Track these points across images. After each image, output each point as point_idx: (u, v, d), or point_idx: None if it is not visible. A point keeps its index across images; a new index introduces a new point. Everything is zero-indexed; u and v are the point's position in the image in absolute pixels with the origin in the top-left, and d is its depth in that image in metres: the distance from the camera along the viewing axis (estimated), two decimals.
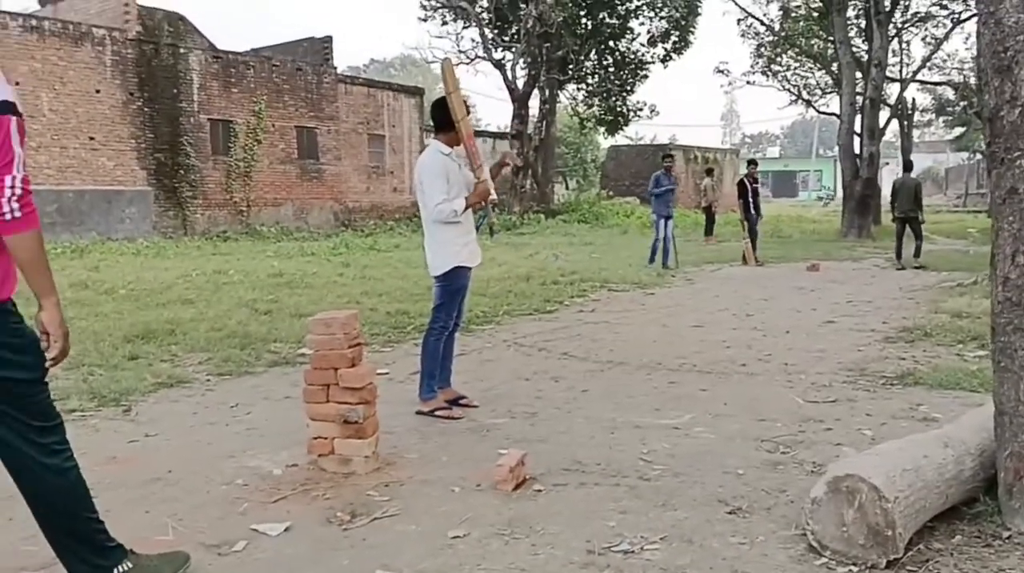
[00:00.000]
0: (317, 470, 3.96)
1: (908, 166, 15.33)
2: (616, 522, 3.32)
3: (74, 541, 2.58)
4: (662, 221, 14.18)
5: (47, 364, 2.45)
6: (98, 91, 19.39)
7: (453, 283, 5.11)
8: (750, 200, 15.61)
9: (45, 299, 2.42)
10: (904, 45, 33.55)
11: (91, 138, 19.23)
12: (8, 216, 2.30)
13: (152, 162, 20.46)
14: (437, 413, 5.02)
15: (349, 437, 3.93)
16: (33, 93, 17.85)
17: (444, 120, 5.09)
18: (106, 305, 9.01)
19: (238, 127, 22.27)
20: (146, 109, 20.31)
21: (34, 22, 18.58)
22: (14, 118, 2.32)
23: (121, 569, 2.63)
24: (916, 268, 14.03)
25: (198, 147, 21.35)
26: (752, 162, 17.17)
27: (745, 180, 16.00)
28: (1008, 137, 2.97)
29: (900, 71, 33.72)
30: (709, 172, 22.69)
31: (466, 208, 5.06)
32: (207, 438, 4.61)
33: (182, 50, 21.19)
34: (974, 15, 28.97)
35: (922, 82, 37.08)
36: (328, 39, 26.06)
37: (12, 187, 2.29)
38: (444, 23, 29.52)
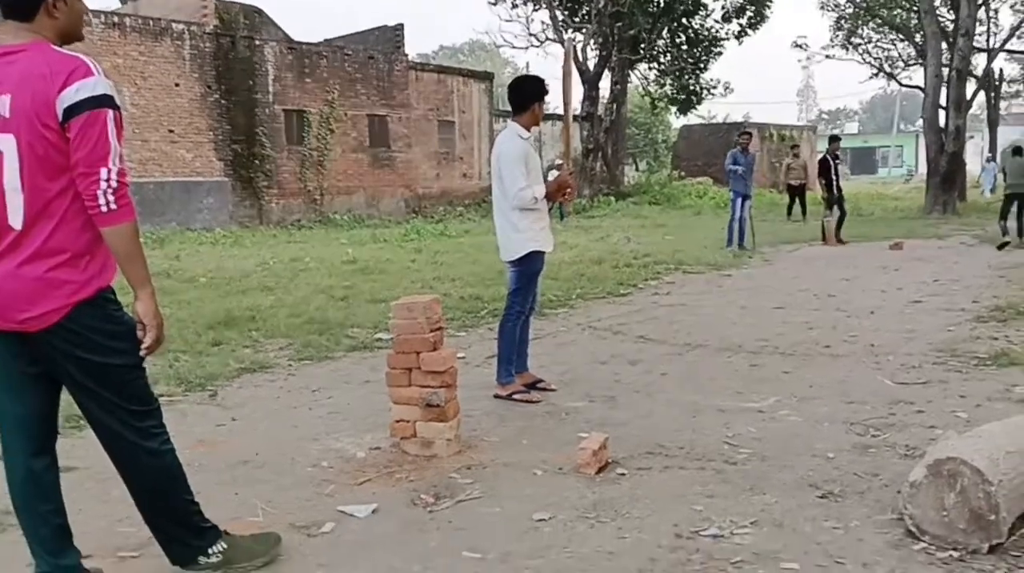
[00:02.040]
0: (400, 453, 3.99)
1: (1019, 150, 14.45)
2: (703, 506, 3.26)
3: (171, 522, 2.64)
4: (739, 200, 13.84)
5: (142, 353, 2.50)
6: (177, 84, 19.88)
7: (528, 268, 5.08)
8: (833, 178, 15.15)
9: (140, 290, 2.46)
10: (992, 13, 32.19)
11: (170, 130, 19.75)
12: (104, 208, 2.34)
13: (229, 153, 20.92)
14: (515, 397, 5.00)
15: (431, 420, 3.95)
16: (116, 88, 18.35)
17: (523, 101, 5.04)
18: (188, 293, 9.25)
19: (311, 117, 22.59)
20: (223, 101, 20.75)
21: (116, 19, 19.11)
22: (111, 111, 2.36)
23: (216, 549, 2.68)
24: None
25: (273, 137, 21.73)
26: (835, 138, 16.50)
27: (828, 157, 15.52)
28: None
29: (987, 41, 32.35)
30: (794, 150, 22.08)
31: (546, 196, 5.02)
32: (291, 421, 4.69)
33: (257, 42, 21.56)
34: None
35: (1010, 51, 35.53)
36: (400, 27, 26.21)
37: (108, 180, 2.33)
38: (514, 6, 29.33)
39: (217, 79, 20.64)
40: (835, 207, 15.03)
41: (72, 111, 2.31)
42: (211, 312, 7.84)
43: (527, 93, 5.06)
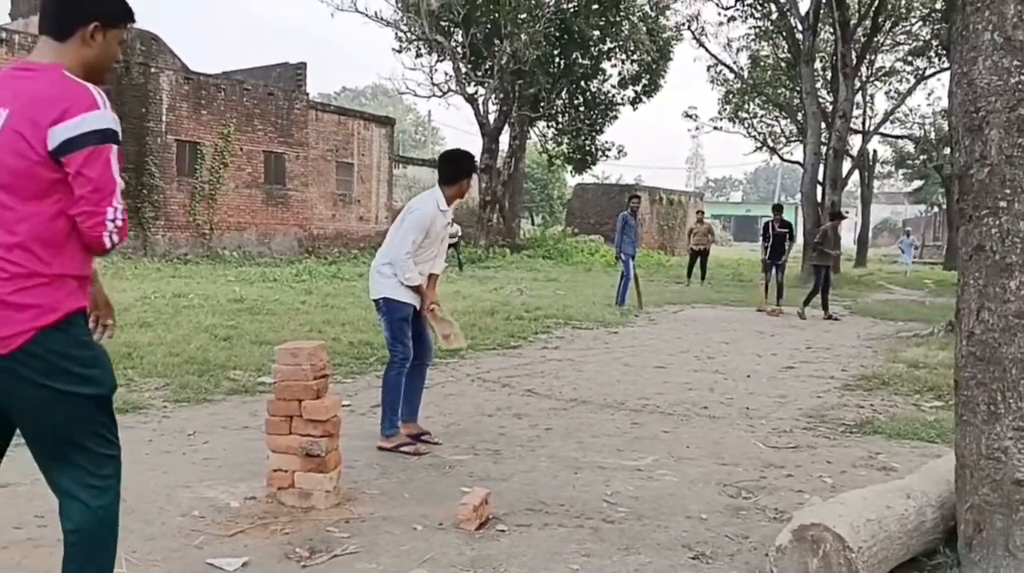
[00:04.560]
0: (276, 503, 3.88)
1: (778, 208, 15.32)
2: (579, 566, 3.29)
3: None
4: (630, 260, 14.26)
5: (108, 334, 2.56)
6: None
7: (391, 313, 5.05)
8: (770, 244, 15.34)
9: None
10: (868, 98, 34.61)
11: None
12: (108, 245, 2.28)
13: None
14: (401, 449, 4.95)
15: (310, 470, 3.86)
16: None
17: (454, 176, 5.14)
18: None
19: (205, 149, 22.08)
20: None
21: (4, 35, 18.34)
22: (115, 147, 2.25)
23: None
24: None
25: (163, 168, 21.11)
26: (778, 207, 16.24)
27: (771, 223, 15.64)
28: (977, 195, 3.03)
29: (863, 123, 34.69)
30: (699, 215, 22.74)
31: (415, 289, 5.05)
32: (163, 467, 4.50)
33: (153, 70, 21.03)
34: (937, 72, 29.65)
35: (884, 135, 38.19)
36: (302, 65, 26.06)
37: (113, 220, 2.25)
38: (418, 55, 29.67)
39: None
40: (771, 271, 15.26)
41: (73, 144, 2.17)
42: None
43: (461, 169, 5.18)
